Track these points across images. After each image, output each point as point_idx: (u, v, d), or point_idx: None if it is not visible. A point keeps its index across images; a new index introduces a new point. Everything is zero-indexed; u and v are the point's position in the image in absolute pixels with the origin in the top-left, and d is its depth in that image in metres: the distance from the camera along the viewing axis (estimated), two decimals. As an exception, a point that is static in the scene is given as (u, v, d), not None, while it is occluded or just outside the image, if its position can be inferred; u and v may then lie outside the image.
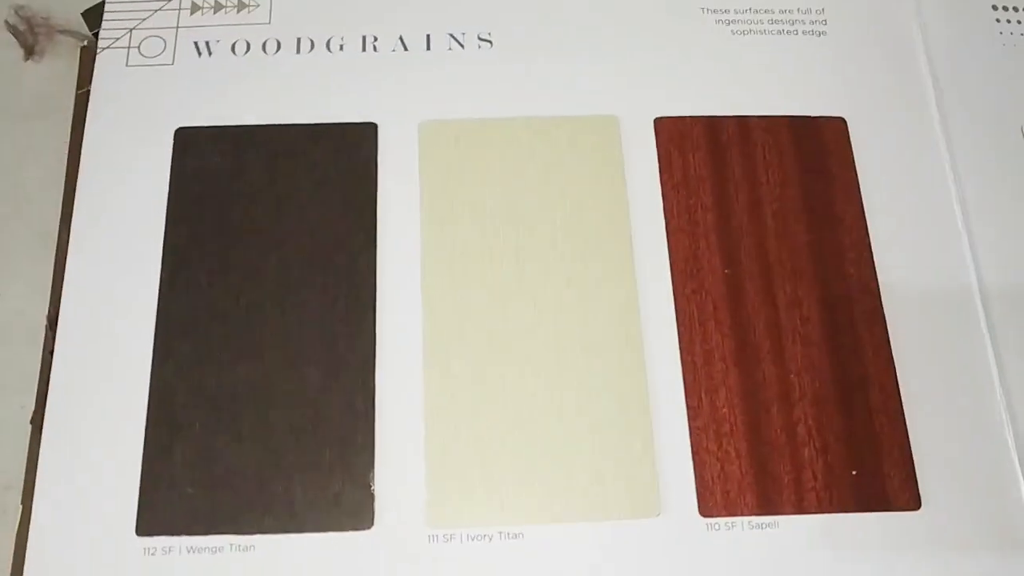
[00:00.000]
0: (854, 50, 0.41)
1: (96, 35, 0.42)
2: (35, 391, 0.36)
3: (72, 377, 0.35)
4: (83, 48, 0.42)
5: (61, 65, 0.43)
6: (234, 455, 0.34)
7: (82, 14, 0.43)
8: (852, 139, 0.39)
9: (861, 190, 0.39)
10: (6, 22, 0.43)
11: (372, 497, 0.34)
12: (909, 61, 0.41)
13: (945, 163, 0.39)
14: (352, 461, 0.34)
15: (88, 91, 0.40)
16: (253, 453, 0.34)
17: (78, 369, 0.35)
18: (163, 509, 0.33)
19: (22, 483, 0.35)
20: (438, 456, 0.34)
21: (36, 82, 0.43)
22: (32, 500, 0.34)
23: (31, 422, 0.36)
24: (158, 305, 0.36)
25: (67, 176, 0.40)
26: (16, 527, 0.34)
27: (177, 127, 0.39)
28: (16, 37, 0.43)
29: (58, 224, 0.39)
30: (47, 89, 0.43)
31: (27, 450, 0.36)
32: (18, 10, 0.44)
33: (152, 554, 0.33)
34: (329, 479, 0.34)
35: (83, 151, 0.39)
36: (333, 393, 0.35)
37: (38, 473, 0.34)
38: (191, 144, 0.39)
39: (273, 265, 0.37)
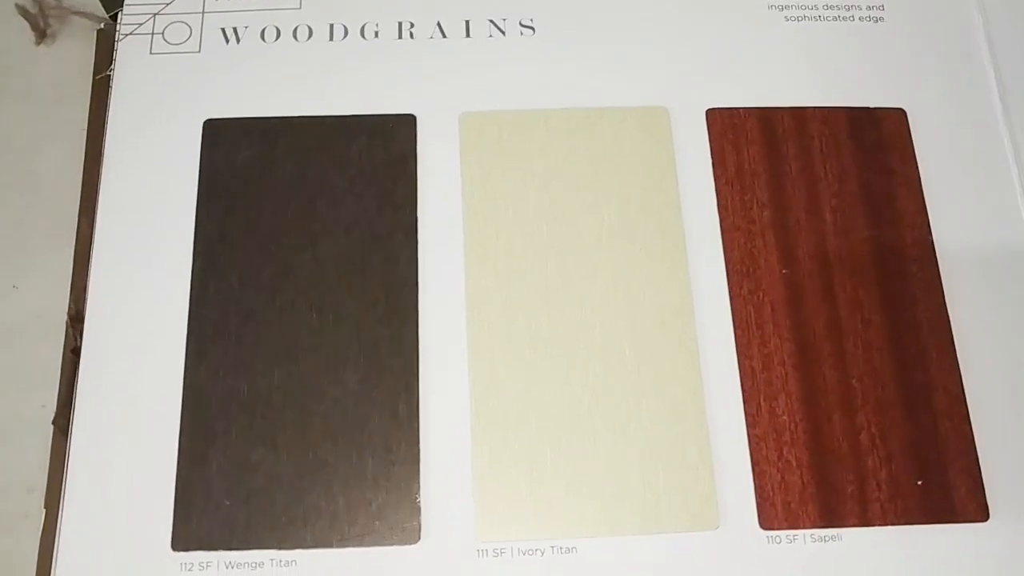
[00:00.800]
0: (913, 37, 0.40)
1: (113, 17, 0.40)
2: (55, 389, 0.35)
3: (101, 382, 0.34)
4: (99, 31, 0.41)
5: (76, 49, 0.41)
6: (271, 465, 0.33)
7: (98, -5, 0.41)
8: (912, 131, 0.38)
9: (922, 184, 0.37)
10: (17, 4, 0.42)
11: (418, 510, 0.33)
12: (970, 48, 0.40)
13: (1009, 155, 0.38)
14: (396, 471, 0.33)
15: (106, 76, 0.39)
16: (291, 463, 0.33)
17: (107, 373, 0.34)
18: (199, 522, 0.32)
19: (45, 485, 0.34)
20: (486, 466, 0.33)
21: (50, 67, 0.41)
22: (56, 504, 0.33)
23: (53, 423, 0.35)
24: (189, 307, 0.35)
25: (85, 165, 0.39)
26: (40, 532, 0.33)
27: (205, 118, 0.37)
28: (28, 20, 0.42)
29: (76, 215, 0.38)
30: (62, 74, 0.41)
31: (49, 451, 0.35)
32: (30, -8, 0.42)
33: (189, 570, 0.32)
34: (372, 491, 0.33)
35: (106, 143, 0.37)
36: (374, 399, 0.34)
37: (67, 484, 0.33)
38: (220, 136, 0.37)
39: (308, 264, 0.35)
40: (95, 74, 0.40)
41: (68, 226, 0.38)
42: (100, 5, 0.41)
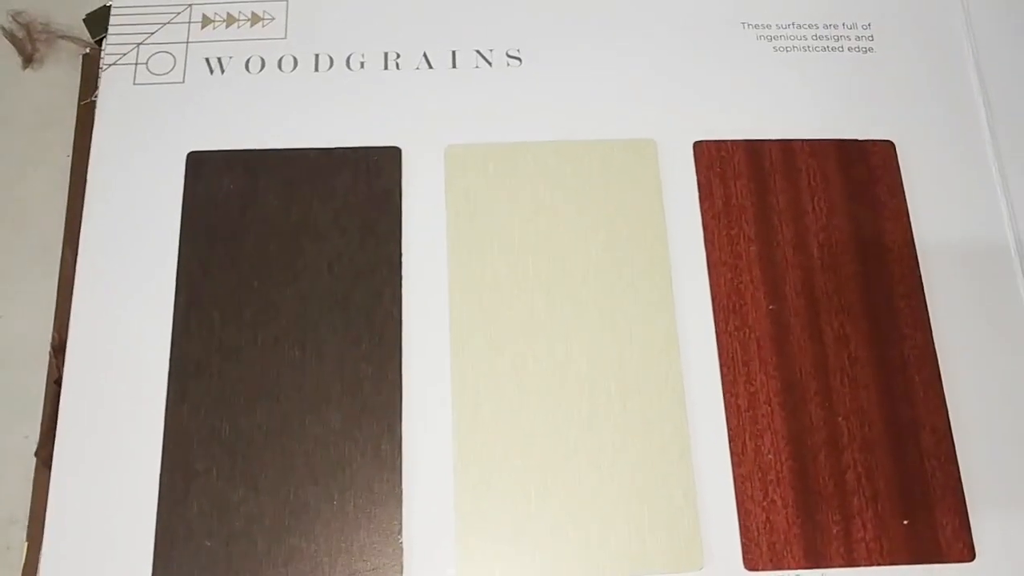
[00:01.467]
0: (902, 68, 0.39)
1: (99, 42, 0.40)
2: (38, 419, 0.35)
3: (82, 416, 0.34)
4: (85, 56, 0.41)
5: (62, 73, 0.41)
6: (252, 506, 0.33)
7: (84, 20, 0.41)
8: (901, 163, 0.38)
9: (911, 218, 0.37)
10: (3, 28, 0.41)
11: (401, 550, 0.32)
12: (960, 80, 0.39)
13: (998, 186, 0.38)
14: (378, 512, 0.33)
15: (92, 101, 0.38)
16: (272, 504, 0.33)
17: (88, 407, 0.34)
18: (180, 563, 0.32)
19: (27, 517, 0.34)
20: (469, 507, 0.33)
21: (36, 91, 0.41)
22: (38, 537, 0.33)
23: (36, 454, 0.35)
24: (171, 343, 0.34)
25: (70, 192, 0.38)
26: (22, 564, 0.33)
27: (189, 150, 0.37)
28: (14, 44, 0.41)
29: (61, 242, 0.37)
30: (47, 99, 0.41)
31: (32, 483, 0.34)
32: (16, 16, 0.42)
33: (168, 612, 0.32)
34: (354, 531, 0.32)
35: (89, 174, 0.37)
36: (357, 438, 0.33)
37: (47, 523, 0.33)
38: (204, 168, 0.37)
39: (291, 300, 0.35)
40: (80, 99, 0.40)
41: (53, 254, 0.38)
42: (85, 29, 0.41)
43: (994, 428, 0.34)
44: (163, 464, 0.33)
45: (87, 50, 0.41)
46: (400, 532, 0.32)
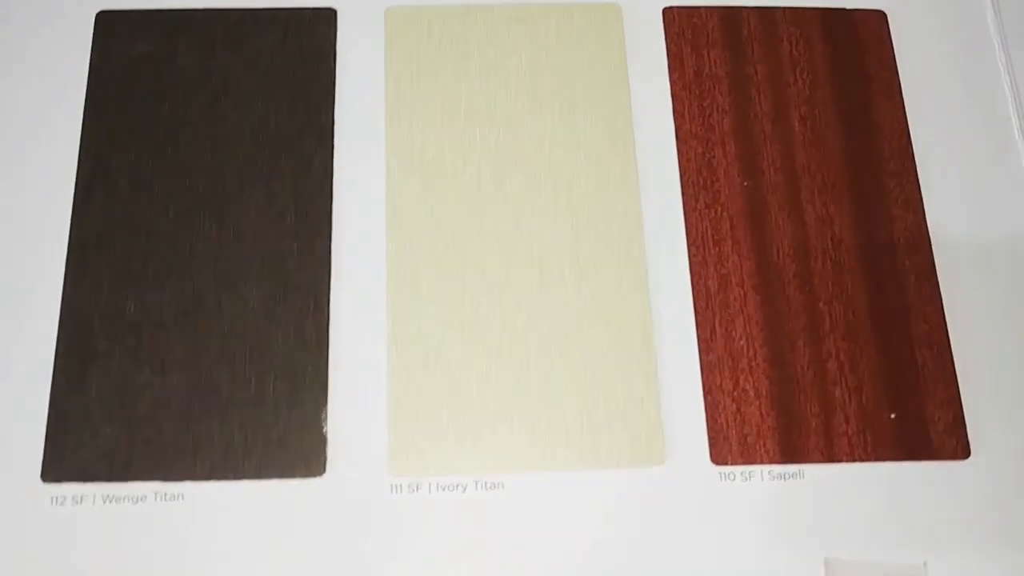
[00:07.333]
0: (895, -69, 0.38)
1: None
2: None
3: (-30, 298, 0.32)
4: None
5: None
6: (159, 389, 0.31)
7: None
8: (893, 34, 0.37)
9: (903, 92, 0.36)
10: None
11: (324, 439, 0.31)
12: (959, -54, 0.38)
13: (1000, 63, 0.37)
14: (301, 397, 0.31)
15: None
16: (182, 386, 0.31)
17: (-23, 289, 0.32)
18: (74, 451, 0.31)
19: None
20: (403, 391, 0.32)
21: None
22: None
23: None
24: (72, 213, 0.33)
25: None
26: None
27: (99, 9, 0.36)
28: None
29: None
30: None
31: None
32: None
33: (61, 504, 0.30)
34: (273, 418, 0.31)
35: (-13, 36, 0.36)
36: (278, 317, 0.32)
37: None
38: (115, 29, 0.36)
39: (208, 169, 0.34)
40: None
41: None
42: None
43: (992, 316, 0.33)
44: (59, 342, 0.32)
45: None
46: (325, 420, 0.31)
